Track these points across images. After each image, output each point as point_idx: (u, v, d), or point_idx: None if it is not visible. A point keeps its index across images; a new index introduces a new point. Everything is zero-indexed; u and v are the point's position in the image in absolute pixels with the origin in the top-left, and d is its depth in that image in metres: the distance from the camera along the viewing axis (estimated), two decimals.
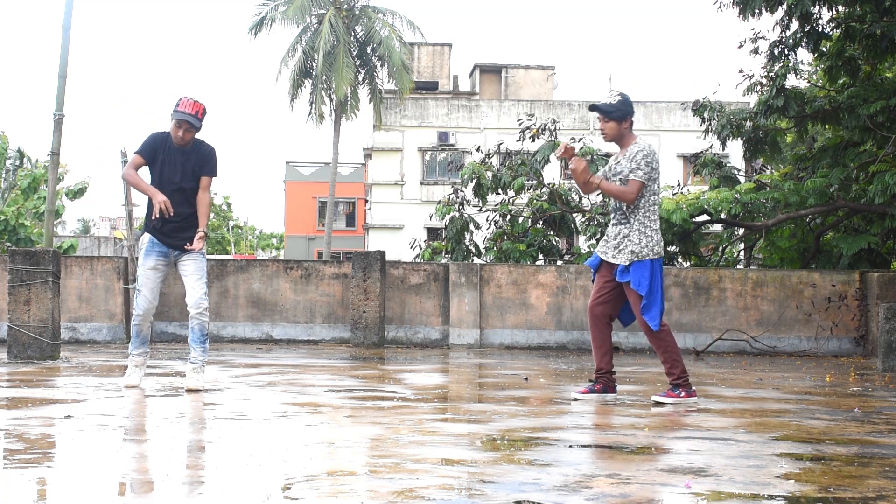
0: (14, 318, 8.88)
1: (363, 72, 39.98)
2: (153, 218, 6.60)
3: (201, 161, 6.75)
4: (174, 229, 6.66)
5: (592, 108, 6.53)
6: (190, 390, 6.51)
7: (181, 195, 6.67)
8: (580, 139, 15.09)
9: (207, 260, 12.23)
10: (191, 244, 6.65)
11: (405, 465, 3.94)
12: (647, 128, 43.51)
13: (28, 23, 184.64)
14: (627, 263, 6.31)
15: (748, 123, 13.65)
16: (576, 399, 6.41)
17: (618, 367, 9.20)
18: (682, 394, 6.31)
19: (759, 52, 13.51)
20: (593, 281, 6.60)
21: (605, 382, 6.50)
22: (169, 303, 11.63)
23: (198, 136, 6.79)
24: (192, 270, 6.65)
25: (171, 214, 6.55)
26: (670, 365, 6.34)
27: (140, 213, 10.39)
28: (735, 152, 29.62)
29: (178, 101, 6.64)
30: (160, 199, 6.51)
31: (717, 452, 4.38)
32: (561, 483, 3.64)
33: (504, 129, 41.00)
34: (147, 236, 6.68)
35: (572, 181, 17.58)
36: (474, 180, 14.61)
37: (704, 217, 13.40)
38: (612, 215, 6.50)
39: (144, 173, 6.78)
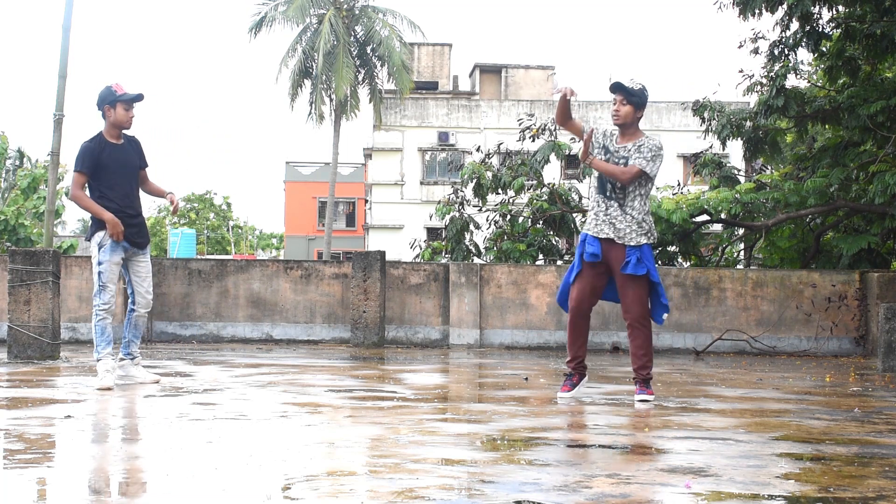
0: (14, 318, 8.88)
1: (363, 72, 39.97)
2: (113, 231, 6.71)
3: (138, 151, 7.00)
4: (137, 226, 6.87)
5: (616, 86, 6.22)
6: (155, 382, 6.94)
7: (135, 187, 6.95)
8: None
9: (207, 260, 12.35)
10: (175, 209, 6.91)
11: (405, 465, 3.94)
12: (648, 127, 43.45)
13: (28, 23, 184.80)
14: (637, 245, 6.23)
15: (748, 123, 13.64)
16: (561, 398, 6.40)
17: (617, 366, 9.23)
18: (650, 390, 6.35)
19: (759, 52, 13.51)
20: (578, 273, 6.36)
21: (580, 371, 6.51)
22: (169, 303, 11.63)
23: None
24: (147, 272, 6.99)
25: (124, 231, 6.73)
26: (649, 359, 6.32)
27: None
28: (735, 152, 29.63)
29: (110, 89, 6.73)
30: (119, 229, 6.66)
31: (717, 452, 4.38)
32: (561, 483, 3.64)
33: (504, 129, 41.00)
34: (106, 233, 6.75)
35: (572, 181, 17.58)
36: (474, 180, 14.61)
37: (704, 217, 13.40)
38: (602, 201, 6.31)
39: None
